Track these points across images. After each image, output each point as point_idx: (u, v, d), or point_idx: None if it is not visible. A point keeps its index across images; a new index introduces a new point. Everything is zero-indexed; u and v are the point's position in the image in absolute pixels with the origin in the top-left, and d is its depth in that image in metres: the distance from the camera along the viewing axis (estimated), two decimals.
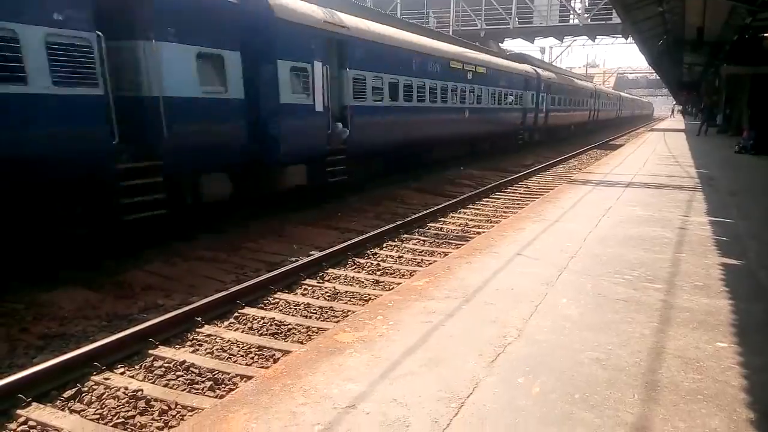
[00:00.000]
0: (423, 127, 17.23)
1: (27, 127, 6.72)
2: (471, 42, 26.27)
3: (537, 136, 30.23)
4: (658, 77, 65.64)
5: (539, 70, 29.44)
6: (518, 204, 13.22)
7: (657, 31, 24.98)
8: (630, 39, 31.09)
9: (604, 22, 33.12)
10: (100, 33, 7.44)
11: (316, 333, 5.80)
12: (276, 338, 5.72)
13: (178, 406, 4.38)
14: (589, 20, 33.73)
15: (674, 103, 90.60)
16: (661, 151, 20.92)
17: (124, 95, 8.07)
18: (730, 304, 4.67)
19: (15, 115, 6.59)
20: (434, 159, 19.32)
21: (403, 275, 7.83)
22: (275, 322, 6.07)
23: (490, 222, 11.21)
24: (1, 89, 6.43)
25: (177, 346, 5.52)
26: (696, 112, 56.28)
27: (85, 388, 4.67)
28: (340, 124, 12.72)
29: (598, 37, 38.16)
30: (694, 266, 5.77)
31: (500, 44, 37.29)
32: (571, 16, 35.20)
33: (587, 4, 33.99)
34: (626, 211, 8.81)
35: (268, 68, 10.37)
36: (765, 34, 23.40)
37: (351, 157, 13.00)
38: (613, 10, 24.55)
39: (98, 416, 4.27)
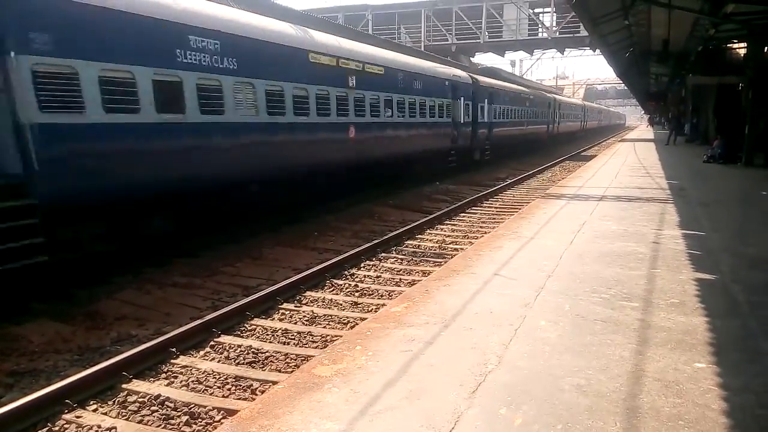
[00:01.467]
0: (266, 154, 11.45)
1: None
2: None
3: (477, 156, 25.04)
4: (626, 88, 66.86)
5: (477, 76, 24.75)
6: (494, 219, 13.28)
7: (624, 44, 25.47)
8: (598, 51, 31.66)
9: (572, 35, 33.80)
10: None
11: (294, 360, 5.72)
12: (253, 367, 5.62)
13: None
14: (557, 33, 34.37)
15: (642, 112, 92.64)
16: (631, 162, 21.25)
17: None
18: (707, 322, 4.71)
19: None
20: (292, 203, 13.22)
21: (382, 295, 7.79)
22: (252, 350, 5.97)
23: (467, 238, 11.23)
24: None
25: (151, 378, 5.38)
26: (664, 121, 57.48)
27: (57, 428, 4.53)
28: None
29: (566, 49, 38.94)
30: (669, 282, 5.82)
31: (471, 58, 37.72)
32: (540, 30, 35.83)
33: (555, 18, 34.60)
34: (600, 225, 8.89)
35: None
36: (728, 45, 24.05)
37: None
38: (581, 24, 24.98)
39: None
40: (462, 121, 22.02)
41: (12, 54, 6.93)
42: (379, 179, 17.16)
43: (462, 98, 21.94)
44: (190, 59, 9.44)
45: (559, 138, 44.46)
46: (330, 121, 13.43)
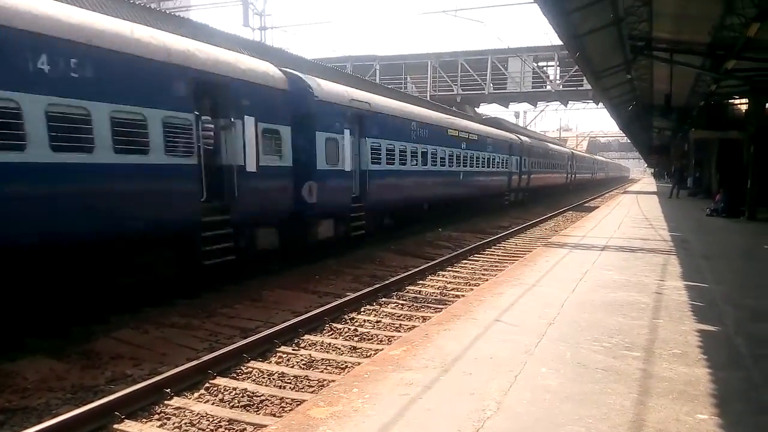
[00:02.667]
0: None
1: None
2: (462, 112, 29.58)
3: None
4: (629, 141, 67.58)
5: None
6: (496, 266, 13.23)
7: (626, 97, 25.93)
8: (601, 105, 32.17)
9: (575, 88, 34.35)
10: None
11: (290, 404, 5.61)
12: (248, 411, 5.51)
13: None
14: (561, 86, 34.95)
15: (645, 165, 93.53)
16: (634, 213, 21.30)
17: None
18: (709, 373, 4.63)
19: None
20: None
21: (381, 341, 7.70)
22: (247, 393, 5.87)
23: (469, 285, 11.17)
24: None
25: (144, 420, 5.28)
26: (667, 175, 57.82)
27: None
28: None
29: (570, 102, 39.53)
30: (672, 333, 5.76)
31: (476, 108, 38.32)
32: (545, 83, 36.48)
33: (559, 71, 35.26)
34: (603, 275, 8.85)
35: None
36: (730, 101, 24.43)
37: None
38: (584, 77, 25.45)
39: None
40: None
41: None
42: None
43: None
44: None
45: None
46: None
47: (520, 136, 32.37)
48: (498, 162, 27.41)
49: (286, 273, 11.84)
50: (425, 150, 18.80)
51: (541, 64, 37.04)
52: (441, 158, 20.29)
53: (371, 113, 15.19)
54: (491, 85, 35.74)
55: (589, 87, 28.13)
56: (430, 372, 4.59)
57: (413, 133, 17.86)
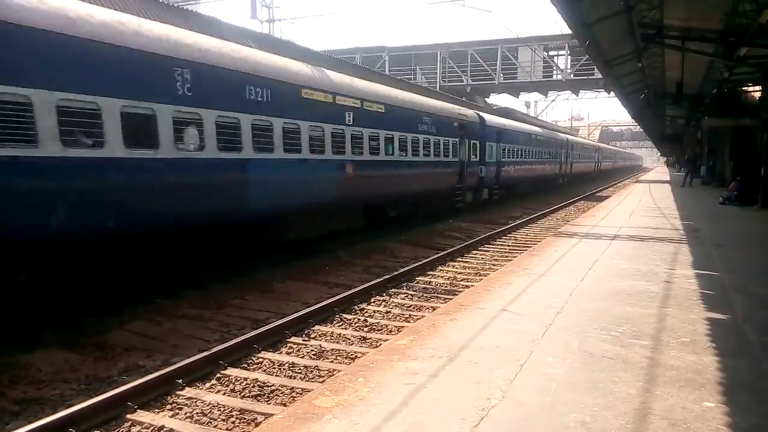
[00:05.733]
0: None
1: None
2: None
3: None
4: (641, 129, 66.91)
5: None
6: (506, 257, 13.22)
7: (638, 86, 25.68)
8: (612, 93, 31.92)
9: (586, 77, 34.08)
10: None
11: (300, 394, 5.67)
12: (258, 400, 5.58)
13: None
14: (571, 75, 34.68)
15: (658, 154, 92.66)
16: (646, 202, 21.15)
17: None
18: (717, 361, 4.63)
19: None
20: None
21: (391, 331, 7.74)
22: (258, 383, 5.94)
23: (479, 275, 11.18)
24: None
25: (156, 410, 5.37)
26: (678, 162, 57.25)
27: None
28: None
29: (581, 91, 39.22)
30: (681, 321, 5.75)
31: (486, 99, 38.14)
32: (555, 72, 36.21)
33: (570, 60, 34.99)
34: (612, 264, 8.83)
35: None
36: (743, 88, 24.12)
37: None
38: (595, 66, 25.25)
39: None
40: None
41: None
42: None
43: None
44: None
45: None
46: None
47: (482, 113, 24.62)
48: (438, 148, 19.09)
49: (296, 264, 11.91)
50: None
51: (551, 53, 36.78)
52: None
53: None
54: (501, 75, 35.56)
55: (600, 76, 27.87)
56: (436, 361, 4.62)
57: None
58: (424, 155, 17.99)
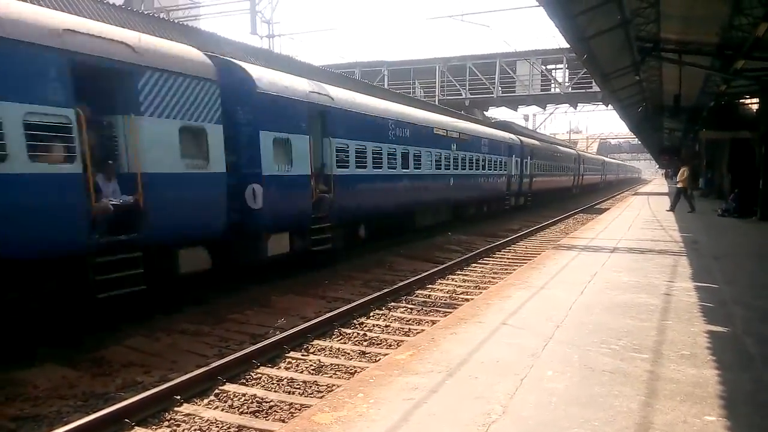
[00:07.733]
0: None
1: None
2: (455, 110, 27.92)
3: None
4: (639, 142, 67.13)
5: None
6: (505, 269, 13.19)
7: (636, 99, 25.81)
8: (610, 106, 32.03)
9: (584, 90, 34.17)
10: None
11: (299, 410, 5.63)
12: (257, 417, 5.54)
13: None
14: (569, 89, 34.81)
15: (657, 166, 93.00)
16: (645, 215, 21.16)
17: None
18: (718, 375, 4.60)
19: None
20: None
21: (390, 345, 7.71)
22: (257, 399, 5.90)
23: (478, 288, 11.15)
24: None
25: (154, 426, 5.33)
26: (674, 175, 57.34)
27: None
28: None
29: (579, 104, 39.36)
30: (681, 334, 5.73)
31: (484, 112, 38.25)
32: (553, 85, 36.36)
33: (568, 74, 35.15)
34: (612, 277, 8.81)
35: None
36: (741, 100, 24.22)
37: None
38: (593, 80, 25.36)
39: None
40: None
41: None
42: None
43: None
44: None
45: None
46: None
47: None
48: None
49: (296, 278, 11.87)
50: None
51: (549, 66, 36.94)
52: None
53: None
54: (500, 88, 35.67)
55: (598, 89, 27.99)
56: (435, 376, 4.60)
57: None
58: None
